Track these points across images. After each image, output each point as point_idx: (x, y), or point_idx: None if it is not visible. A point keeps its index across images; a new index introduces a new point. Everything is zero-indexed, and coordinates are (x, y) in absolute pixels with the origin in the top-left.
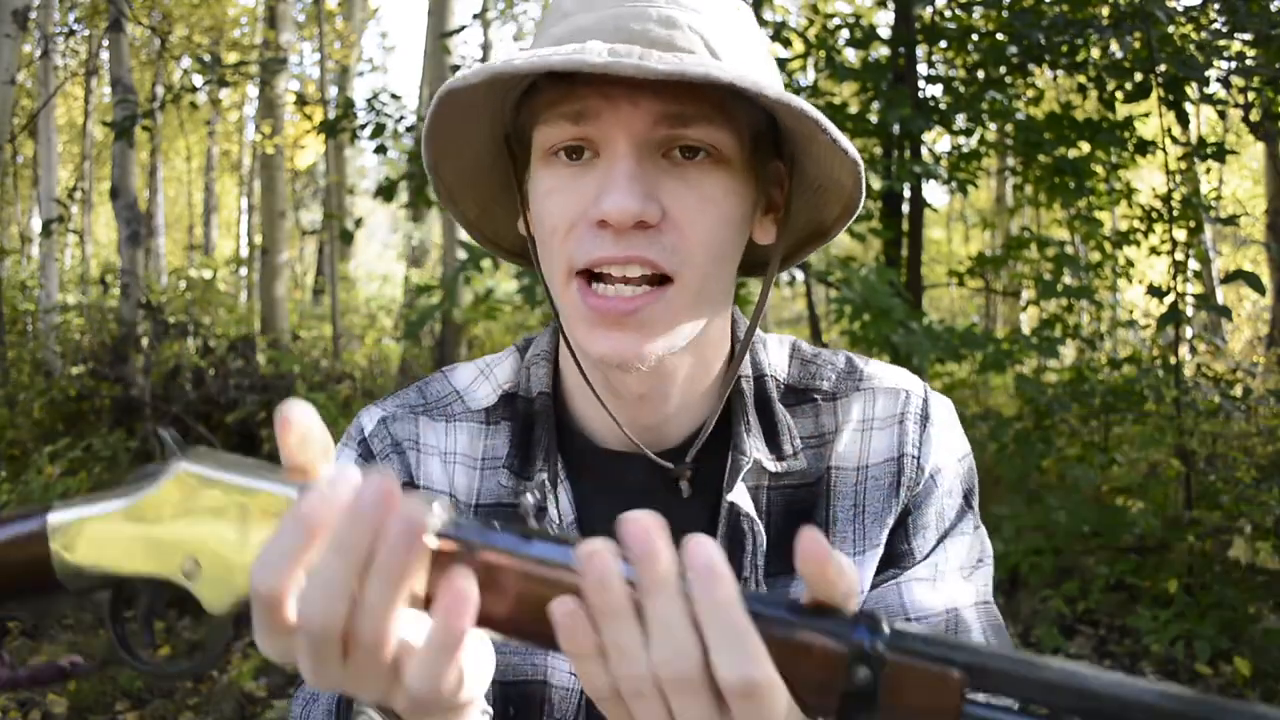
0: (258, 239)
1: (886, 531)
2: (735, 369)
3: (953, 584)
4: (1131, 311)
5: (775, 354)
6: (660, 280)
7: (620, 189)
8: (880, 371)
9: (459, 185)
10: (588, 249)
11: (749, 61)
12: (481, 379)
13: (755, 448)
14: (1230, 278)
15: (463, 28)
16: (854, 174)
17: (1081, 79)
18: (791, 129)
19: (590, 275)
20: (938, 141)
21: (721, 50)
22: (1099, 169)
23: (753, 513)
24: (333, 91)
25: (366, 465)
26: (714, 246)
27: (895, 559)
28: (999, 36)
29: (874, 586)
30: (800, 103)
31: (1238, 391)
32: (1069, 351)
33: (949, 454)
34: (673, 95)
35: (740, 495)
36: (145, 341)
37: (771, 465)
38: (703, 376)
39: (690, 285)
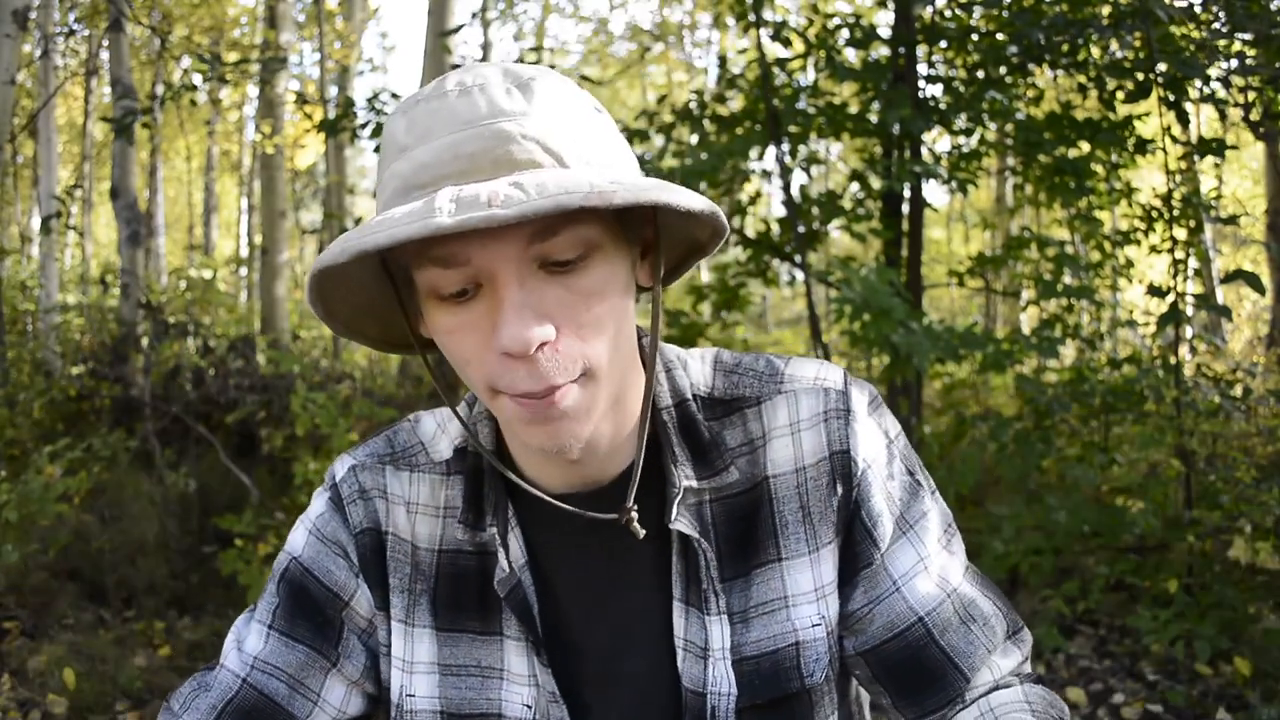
0: (258, 239)
1: (833, 529)
2: (645, 418)
3: (940, 561)
4: (1131, 311)
5: (696, 371)
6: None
7: (512, 323)
8: (800, 370)
9: (354, 316)
10: (507, 381)
11: (590, 150)
12: (440, 432)
13: (685, 475)
14: (1230, 278)
15: (462, 27)
16: (710, 214)
17: (1081, 79)
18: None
19: None
20: (938, 141)
21: (562, 149)
22: (1099, 169)
23: (697, 535)
24: (333, 91)
25: (335, 510)
26: (611, 331)
27: (862, 556)
28: (999, 36)
29: (867, 594)
30: (644, 195)
31: (1238, 391)
32: (1069, 351)
33: (877, 441)
34: (533, 219)
35: (682, 523)
36: (145, 341)
37: (704, 484)
38: (625, 421)
39: (601, 374)
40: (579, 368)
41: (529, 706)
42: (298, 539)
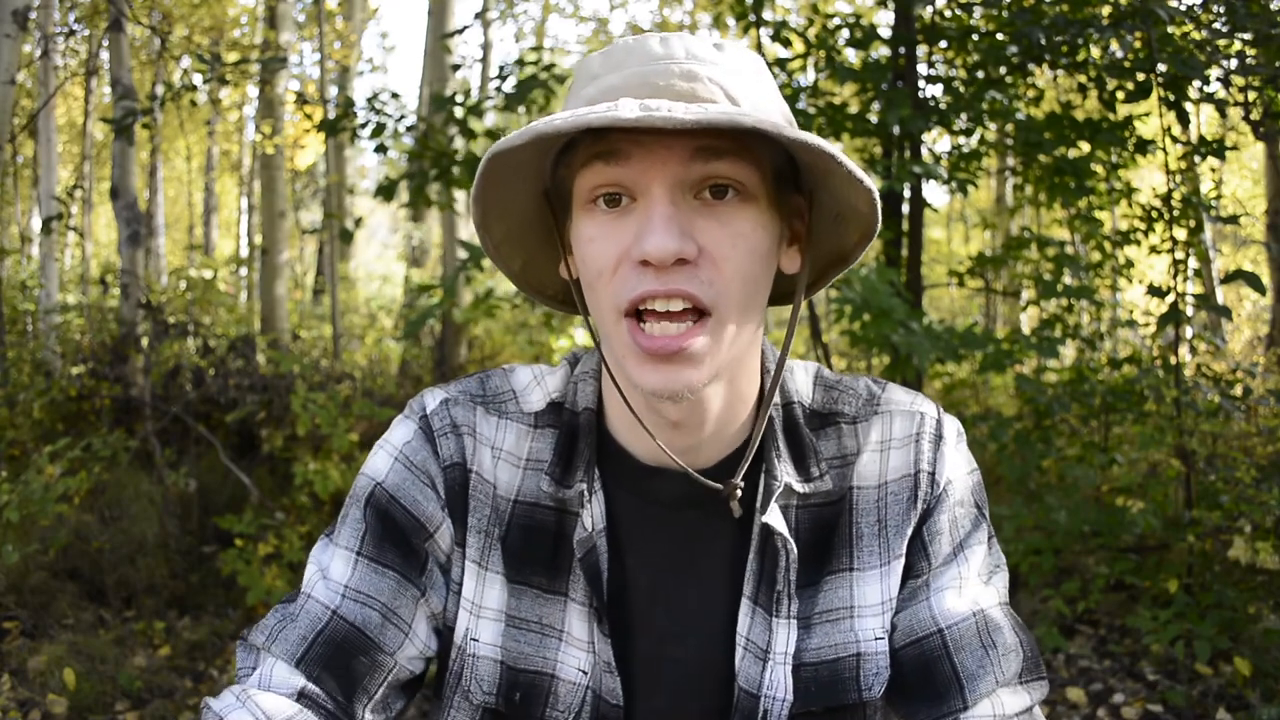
0: (258, 239)
1: (905, 542)
2: (769, 398)
3: (975, 588)
4: (1131, 311)
5: (800, 380)
6: (699, 314)
7: (659, 230)
8: (898, 396)
9: (506, 241)
10: (632, 286)
11: (765, 105)
12: (535, 384)
13: (786, 472)
14: (1230, 278)
15: (464, 28)
16: (870, 201)
17: (1081, 79)
18: (809, 164)
19: (637, 314)
20: (938, 141)
21: (740, 97)
22: (1099, 169)
23: (786, 532)
24: (333, 91)
25: (425, 440)
26: (746, 278)
27: (913, 566)
28: (999, 36)
29: (902, 603)
30: (816, 140)
31: (1238, 391)
32: (1069, 351)
33: (960, 468)
34: (700, 137)
35: (774, 516)
36: (145, 341)
37: (800, 487)
38: (737, 405)
39: (727, 316)
40: (710, 294)
41: (584, 672)
42: (380, 464)
